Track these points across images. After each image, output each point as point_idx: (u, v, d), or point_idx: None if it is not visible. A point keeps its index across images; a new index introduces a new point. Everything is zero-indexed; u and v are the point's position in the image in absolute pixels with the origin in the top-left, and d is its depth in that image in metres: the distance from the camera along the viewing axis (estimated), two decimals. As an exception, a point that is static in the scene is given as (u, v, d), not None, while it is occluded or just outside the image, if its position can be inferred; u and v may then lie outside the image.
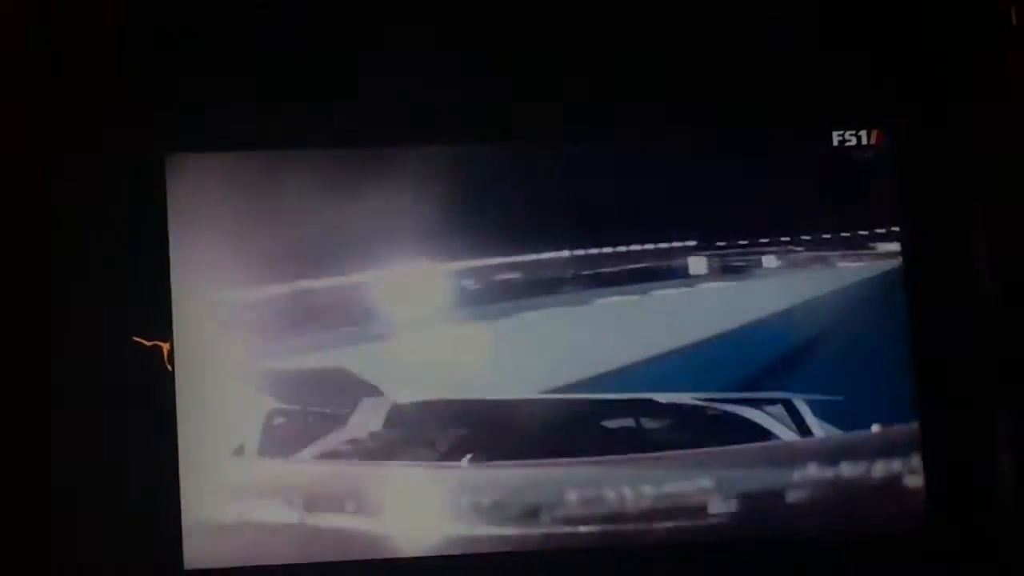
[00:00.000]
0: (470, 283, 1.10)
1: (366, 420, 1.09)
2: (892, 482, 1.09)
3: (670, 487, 1.08)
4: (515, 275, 1.10)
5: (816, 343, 1.10)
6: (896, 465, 1.09)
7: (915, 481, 1.09)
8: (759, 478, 1.09)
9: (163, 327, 1.05)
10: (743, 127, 1.12)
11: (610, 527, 1.08)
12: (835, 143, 1.12)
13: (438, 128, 1.09)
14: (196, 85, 1.07)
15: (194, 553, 1.05)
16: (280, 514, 1.06)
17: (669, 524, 1.07)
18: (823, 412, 1.09)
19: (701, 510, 1.08)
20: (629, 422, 1.10)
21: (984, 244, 1.08)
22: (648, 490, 1.08)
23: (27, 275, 1.02)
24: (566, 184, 1.11)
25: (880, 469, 1.09)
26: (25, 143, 1.02)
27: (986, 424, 1.07)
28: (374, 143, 1.09)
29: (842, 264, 1.11)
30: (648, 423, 1.10)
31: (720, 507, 1.08)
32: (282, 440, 1.07)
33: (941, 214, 1.11)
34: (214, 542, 1.05)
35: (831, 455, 1.09)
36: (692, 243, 1.11)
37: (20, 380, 1.01)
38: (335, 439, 1.09)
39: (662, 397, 1.10)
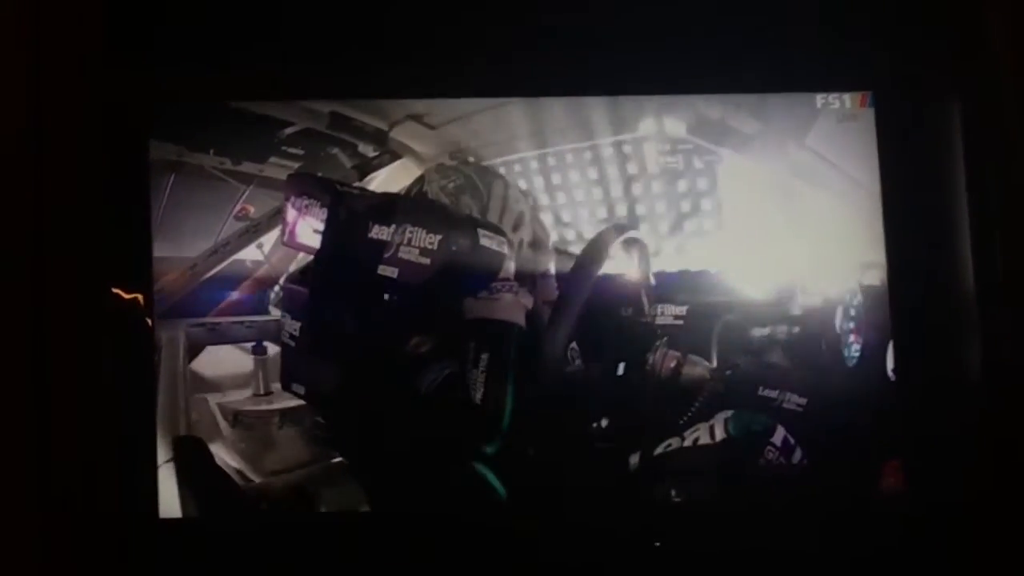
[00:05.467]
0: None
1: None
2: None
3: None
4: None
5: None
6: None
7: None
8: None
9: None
10: (727, 89, 1.12)
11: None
12: (818, 105, 1.13)
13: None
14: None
15: (168, 503, 1.05)
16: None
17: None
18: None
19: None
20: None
21: (965, 207, 1.08)
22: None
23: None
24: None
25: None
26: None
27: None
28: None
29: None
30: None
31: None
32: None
33: (922, 177, 1.11)
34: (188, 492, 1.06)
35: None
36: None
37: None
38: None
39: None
